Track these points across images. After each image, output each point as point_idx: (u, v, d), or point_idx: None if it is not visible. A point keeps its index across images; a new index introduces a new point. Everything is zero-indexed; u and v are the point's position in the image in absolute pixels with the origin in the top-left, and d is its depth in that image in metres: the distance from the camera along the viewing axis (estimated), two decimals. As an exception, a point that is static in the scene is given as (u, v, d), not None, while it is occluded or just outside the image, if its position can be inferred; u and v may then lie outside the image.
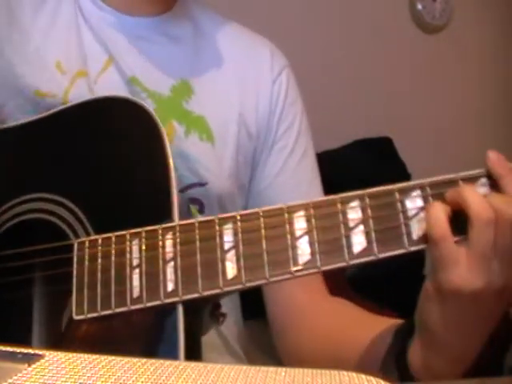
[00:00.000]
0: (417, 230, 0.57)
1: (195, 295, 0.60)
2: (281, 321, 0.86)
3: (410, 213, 0.57)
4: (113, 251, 0.63)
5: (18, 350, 0.41)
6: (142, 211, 0.67)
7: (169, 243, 0.62)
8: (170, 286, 0.61)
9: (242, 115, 0.87)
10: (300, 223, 0.59)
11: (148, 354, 0.62)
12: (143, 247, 0.62)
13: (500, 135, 2.34)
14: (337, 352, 0.77)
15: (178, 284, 0.60)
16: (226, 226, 0.61)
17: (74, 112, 0.74)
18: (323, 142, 1.71)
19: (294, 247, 0.59)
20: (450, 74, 2.35)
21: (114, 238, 0.64)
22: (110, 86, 0.81)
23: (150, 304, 0.61)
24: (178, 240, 0.62)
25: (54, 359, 0.40)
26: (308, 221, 0.59)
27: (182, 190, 0.79)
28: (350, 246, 0.58)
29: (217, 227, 0.61)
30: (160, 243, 0.62)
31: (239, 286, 0.60)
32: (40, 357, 0.40)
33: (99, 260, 0.64)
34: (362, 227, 0.58)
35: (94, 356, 0.41)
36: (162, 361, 0.41)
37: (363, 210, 0.58)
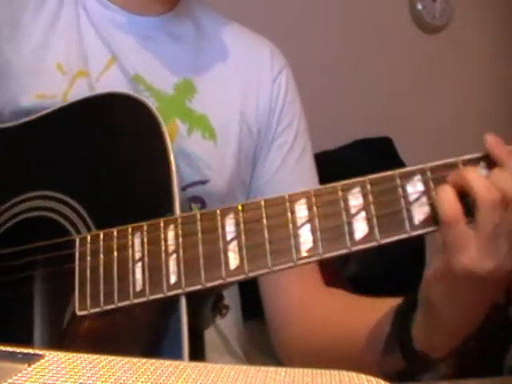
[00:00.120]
0: (418, 215, 0.57)
1: (198, 287, 0.60)
2: (278, 317, 0.87)
3: (411, 197, 0.58)
4: (115, 246, 0.63)
5: (17, 350, 0.41)
6: (143, 208, 0.67)
7: (171, 236, 0.62)
8: (173, 279, 0.61)
9: (244, 114, 0.88)
10: (301, 211, 0.59)
11: (151, 347, 0.63)
12: (145, 241, 0.63)
13: (500, 135, 2.34)
14: (337, 340, 0.78)
15: (181, 276, 0.61)
16: (228, 217, 0.61)
17: (74, 109, 0.74)
18: (323, 142, 1.71)
19: (296, 235, 0.59)
20: (450, 74, 2.35)
21: (115, 233, 0.64)
22: (113, 84, 0.82)
23: (152, 297, 0.61)
24: (180, 232, 0.62)
25: (54, 359, 0.40)
26: (309, 209, 0.59)
27: (183, 188, 0.80)
28: (351, 233, 0.58)
29: (218, 218, 0.61)
30: (162, 236, 0.62)
31: (242, 276, 0.60)
32: (40, 357, 0.40)
33: (101, 255, 0.64)
34: (363, 213, 0.58)
35: (94, 356, 0.41)
36: (162, 361, 0.41)
37: (364, 196, 0.58)
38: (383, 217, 0.57)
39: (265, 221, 0.60)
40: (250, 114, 0.89)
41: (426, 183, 0.58)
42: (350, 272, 1.58)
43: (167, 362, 0.41)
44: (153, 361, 0.41)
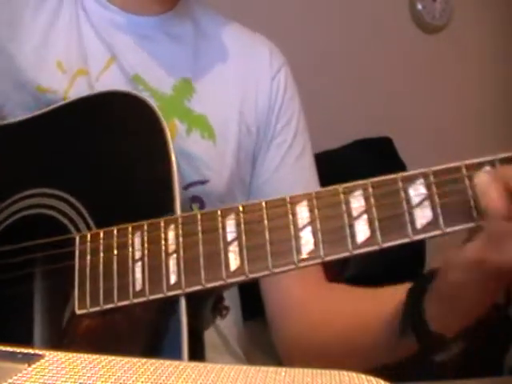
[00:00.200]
0: (420, 219, 0.57)
1: (198, 287, 0.60)
2: (279, 314, 0.87)
3: (414, 201, 0.57)
4: (115, 244, 0.63)
5: (17, 350, 0.41)
6: (143, 206, 0.67)
7: (171, 235, 0.62)
8: (173, 279, 0.61)
9: (242, 113, 0.88)
10: (303, 213, 0.59)
11: (151, 348, 0.63)
12: (145, 240, 0.62)
13: (500, 135, 2.34)
14: (339, 335, 0.78)
15: (181, 276, 0.60)
16: (229, 218, 0.61)
17: (75, 106, 0.74)
18: (323, 142, 1.71)
19: (297, 237, 0.59)
20: (450, 74, 2.35)
21: (115, 232, 0.64)
22: (113, 83, 0.82)
23: (152, 297, 0.61)
24: (180, 232, 0.61)
25: (54, 359, 0.40)
26: (311, 211, 0.59)
27: (184, 188, 0.80)
28: (353, 236, 0.57)
29: (219, 219, 0.61)
30: (162, 235, 0.62)
31: (242, 278, 0.60)
32: (40, 357, 0.40)
33: (101, 253, 0.64)
34: (365, 216, 0.58)
35: (94, 356, 0.41)
36: (162, 361, 0.41)
37: (366, 199, 0.58)
38: (385, 220, 0.57)
39: (266, 222, 0.60)
40: (248, 114, 0.89)
41: (428, 187, 0.57)
42: (349, 274, 1.58)
43: (167, 362, 0.41)
44: (153, 361, 0.41)
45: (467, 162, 0.58)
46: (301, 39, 2.03)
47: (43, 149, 0.74)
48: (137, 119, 0.71)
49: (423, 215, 0.57)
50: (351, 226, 0.58)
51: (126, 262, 0.62)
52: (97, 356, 0.41)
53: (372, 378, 0.39)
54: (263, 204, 0.60)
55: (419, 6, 2.34)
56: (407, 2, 2.35)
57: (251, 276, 0.60)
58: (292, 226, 0.59)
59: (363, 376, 0.40)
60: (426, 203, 0.57)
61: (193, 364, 0.41)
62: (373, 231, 0.57)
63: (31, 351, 0.41)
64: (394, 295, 0.69)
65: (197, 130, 0.84)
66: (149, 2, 0.87)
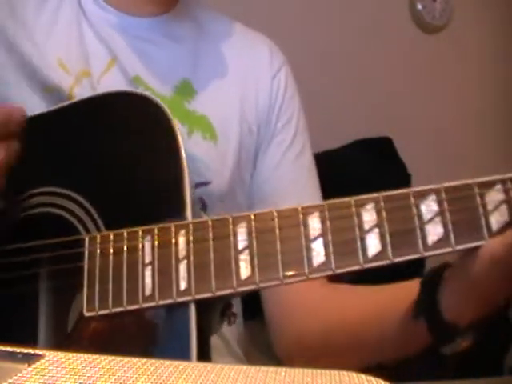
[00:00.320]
0: (432, 235, 0.57)
1: (208, 295, 0.60)
2: (279, 316, 0.87)
3: (425, 217, 0.57)
4: (125, 247, 0.63)
5: (17, 350, 0.41)
6: (153, 206, 0.67)
7: (182, 241, 0.61)
8: (183, 285, 0.60)
9: (243, 112, 0.88)
10: (315, 224, 0.59)
11: (158, 352, 0.62)
12: (156, 244, 0.62)
13: (500, 135, 2.34)
14: (338, 334, 0.77)
15: (191, 283, 0.60)
16: (240, 225, 0.61)
17: (82, 106, 0.74)
18: (323, 142, 1.71)
19: (309, 249, 0.59)
20: (450, 74, 2.35)
21: (126, 234, 0.63)
22: (114, 85, 0.82)
23: (162, 302, 0.61)
24: (191, 238, 0.61)
25: (54, 359, 0.40)
26: (323, 222, 0.59)
27: None
28: (364, 249, 0.57)
29: (230, 226, 0.61)
30: (173, 241, 0.62)
31: (253, 287, 0.60)
32: (40, 357, 0.40)
33: (111, 256, 0.63)
34: (376, 230, 0.58)
35: (94, 356, 0.41)
36: (162, 361, 0.41)
37: (378, 212, 0.58)
38: (396, 235, 0.57)
39: (277, 231, 0.59)
40: (249, 113, 0.89)
41: (440, 203, 0.57)
42: (348, 277, 1.58)
43: (167, 362, 0.41)
44: (153, 361, 0.41)
45: (479, 179, 0.58)
46: (301, 39, 2.03)
47: (52, 148, 0.73)
48: (145, 118, 0.71)
49: (435, 232, 0.57)
50: (362, 240, 0.58)
51: (136, 266, 0.62)
52: (97, 356, 0.41)
53: (372, 378, 0.39)
54: (275, 213, 0.60)
55: (419, 6, 2.34)
56: (407, 2, 2.35)
57: (262, 285, 0.59)
58: (303, 237, 0.59)
59: (363, 376, 0.40)
60: (438, 219, 0.57)
61: (193, 364, 0.41)
62: (384, 245, 0.57)
63: (31, 351, 0.41)
64: (402, 289, 0.69)
65: (198, 131, 0.85)
66: (142, 3, 0.87)
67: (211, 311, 0.64)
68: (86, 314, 0.62)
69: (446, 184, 0.58)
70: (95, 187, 0.69)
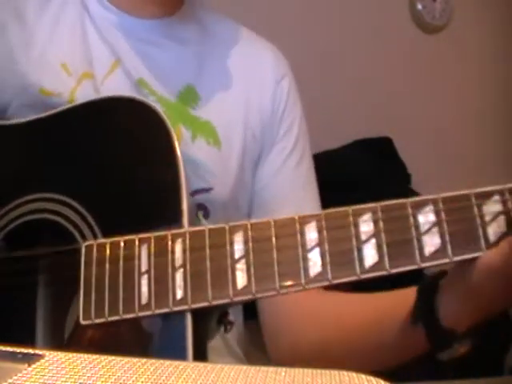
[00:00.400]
0: (429, 246, 0.57)
1: (204, 304, 0.59)
2: (275, 325, 0.86)
3: (423, 228, 0.57)
4: (121, 256, 0.62)
5: (17, 350, 0.41)
6: (150, 213, 0.66)
7: (178, 249, 0.61)
8: (179, 294, 0.60)
9: (247, 118, 0.88)
10: (311, 234, 0.59)
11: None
12: (152, 253, 0.62)
13: (500, 135, 2.34)
14: (332, 342, 0.77)
15: (187, 292, 0.60)
16: (237, 234, 0.60)
17: (80, 111, 0.74)
18: (323, 142, 1.71)
19: (305, 259, 0.58)
20: (450, 74, 2.35)
21: (122, 243, 0.63)
22: (118, 87, 0.81)
23: (158, 311, 0.60)
24: (187, 246, 0.61)
25: (54, 359, 0.40)
26: (319, 232, 0.59)
27: (191, 195, 0.79)
28: (361, 260, 0.57)
29: (227, 235, 0.60)
30: (169, 249, 0.61)
31: (249, 296, 0.59)
32: (40, 357, 0.40)
33: (107, 265, 0.63)
34: (373, 240, 0.57)
35: (94, 356, 0.41)
36: (161, 361, 0.41)
37: (375, 222, 0.58)
38: (393, 245, 0.57)
39: (274, 240, 0.59)
40: (253, 118, 0.89)
41: (437, 214, 0.57)
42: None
43: (167, 362, 0.41)
44: (153, 361, 0.41)
45: (477, 190, 0.58)
46: (301, 39, 2.03)
47: (47, 152, 0.73)
48: (143, 125, 0.70)
49: (432, 242, 0.57)
50: (359, 250, 0.57)
51: (132, 275, 0.62)
52: (97, 356, 0.41)
53: (372, 378, 0.39)
54: (272, 222, 0.60)
55: (419, 6, 2.34)
56: (407, 2, 2.35)
57: (258, 295, 0.59)
58: (300, 247, 0.59)
59: (363, 376, 0.40)
60: (435, 230, 0.57)
61: (193, 364, 0.41)
62: (381, 256, 0.57)
63: (31, 351, 0.41)
64: (400, 296, 0.69)
65: (202, 136, 0.84)
66: (146, 4, 0.87)
67: (207, 320, 0.64)
68: (83, 322, 0.62)
69: (444, 194, 0.58)
70: (90, 192, 0.69)
